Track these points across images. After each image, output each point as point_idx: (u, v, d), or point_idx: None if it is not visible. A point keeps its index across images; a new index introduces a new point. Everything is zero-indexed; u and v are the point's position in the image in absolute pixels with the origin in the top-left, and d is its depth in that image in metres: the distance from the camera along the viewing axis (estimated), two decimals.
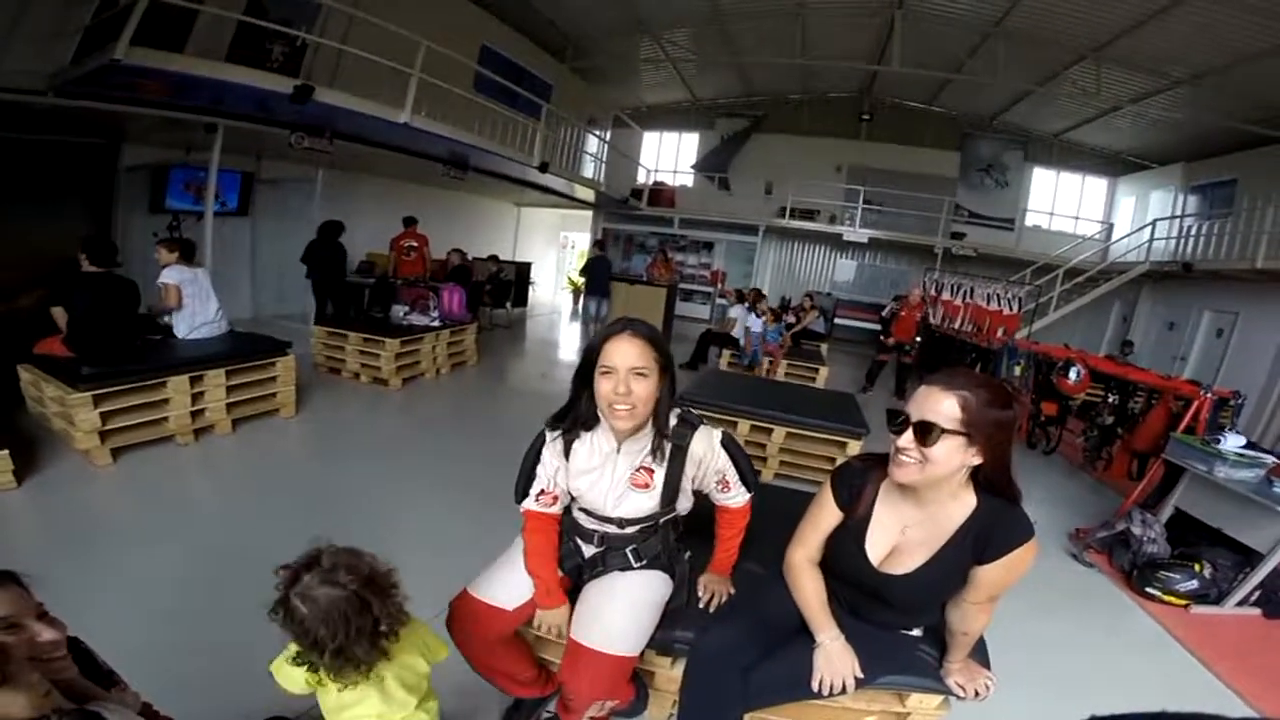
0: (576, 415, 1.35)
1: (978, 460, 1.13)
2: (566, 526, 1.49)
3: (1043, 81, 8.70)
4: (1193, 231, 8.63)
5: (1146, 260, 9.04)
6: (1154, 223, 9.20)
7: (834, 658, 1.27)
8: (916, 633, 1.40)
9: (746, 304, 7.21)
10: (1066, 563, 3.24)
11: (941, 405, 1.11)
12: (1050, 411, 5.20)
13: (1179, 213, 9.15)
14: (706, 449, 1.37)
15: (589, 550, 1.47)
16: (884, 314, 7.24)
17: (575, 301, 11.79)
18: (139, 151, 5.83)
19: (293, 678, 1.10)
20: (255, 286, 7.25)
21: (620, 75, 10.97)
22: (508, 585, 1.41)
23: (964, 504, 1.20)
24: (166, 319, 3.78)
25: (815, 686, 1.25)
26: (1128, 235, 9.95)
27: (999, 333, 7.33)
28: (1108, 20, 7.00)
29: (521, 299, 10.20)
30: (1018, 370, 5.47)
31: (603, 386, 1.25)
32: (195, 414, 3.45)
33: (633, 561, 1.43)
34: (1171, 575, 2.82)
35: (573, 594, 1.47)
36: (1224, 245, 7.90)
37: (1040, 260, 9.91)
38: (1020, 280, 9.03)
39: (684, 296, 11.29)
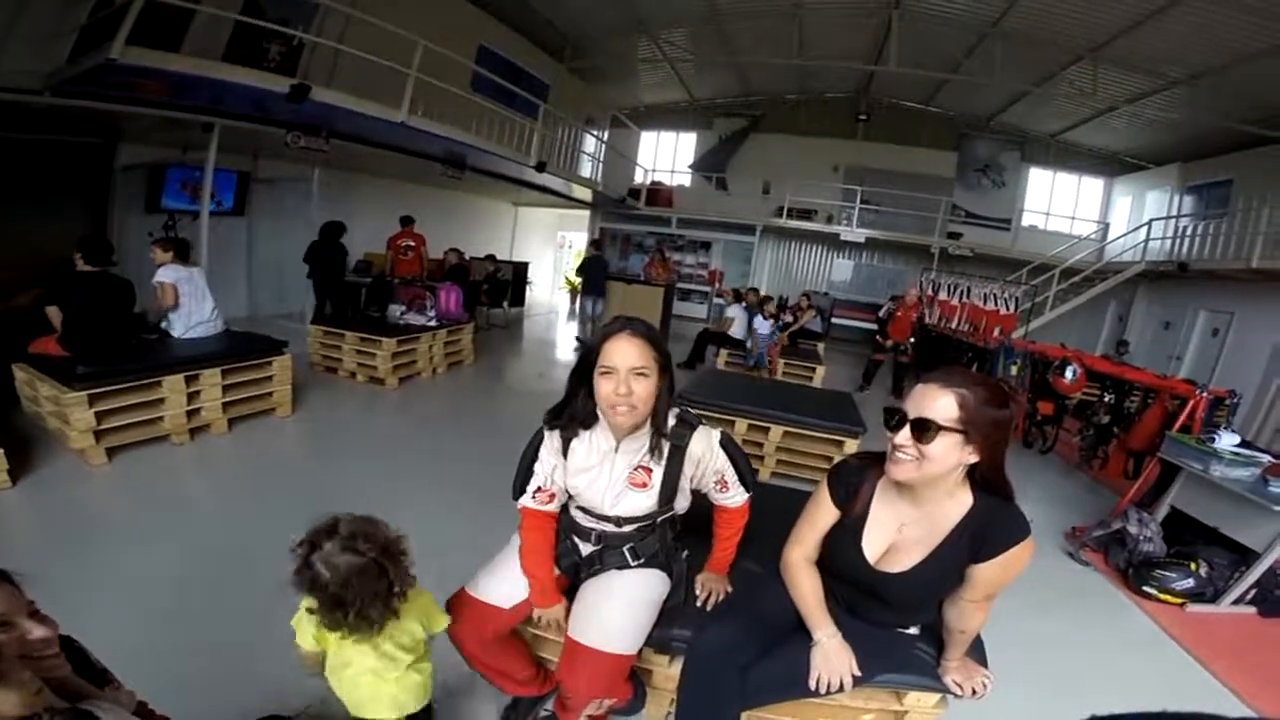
0: (573, 413, 1.34)
1: (974, 458, 1.14)
2: (564, 525, 1.49)
3: (1040, 82, 8.72)
4: (1188, 231, 8.66)
5: (1142, 260, 9.08)
6: (1150, 223, 9.24)
7: (831, 656, 1.27)
8: (914, 631, 1.40)
9: (745, 304, 7.23)
10: (1063, 561, 3.25)
11: (939, 403, 1.11)
12: (1047, 411, 5.22)
13: (1175, 213, 9.18)
14: (705, 449, 1.37)
15: (586, 548, 1.47)
16: (880, 315, 7.26)
17: (572, 301, 11.79)
18: (135, 151, 5.80)
19: (306, 635, 1.22)
20: (251, 286, 7.23)
21: (618, 75, 10.96)
22: (505, 584, 1.42)
23: (960, 502, 1.20)
24: (165, 323, 3.77)
25: (812, 685, 1.26)
26: (1123, 235, 9.99)
27: (995, 332, 7.35)
28: (1105, 20, 7.02)
29: (519, 299, 10.19)
30: (1014, 370, 5.48)
31: (603, 387, 1.24)
32: (191, 413, 3.44)
33: (630, 560, 1.43)
34: (1167, 574, 2.83)
35: (570, 592, 1.47)
36: (1219, 245, 7.93)
37: (1036, 260, 9.94)
38: (1016, 280, 9.06)
39: (681, 296, 11.29)
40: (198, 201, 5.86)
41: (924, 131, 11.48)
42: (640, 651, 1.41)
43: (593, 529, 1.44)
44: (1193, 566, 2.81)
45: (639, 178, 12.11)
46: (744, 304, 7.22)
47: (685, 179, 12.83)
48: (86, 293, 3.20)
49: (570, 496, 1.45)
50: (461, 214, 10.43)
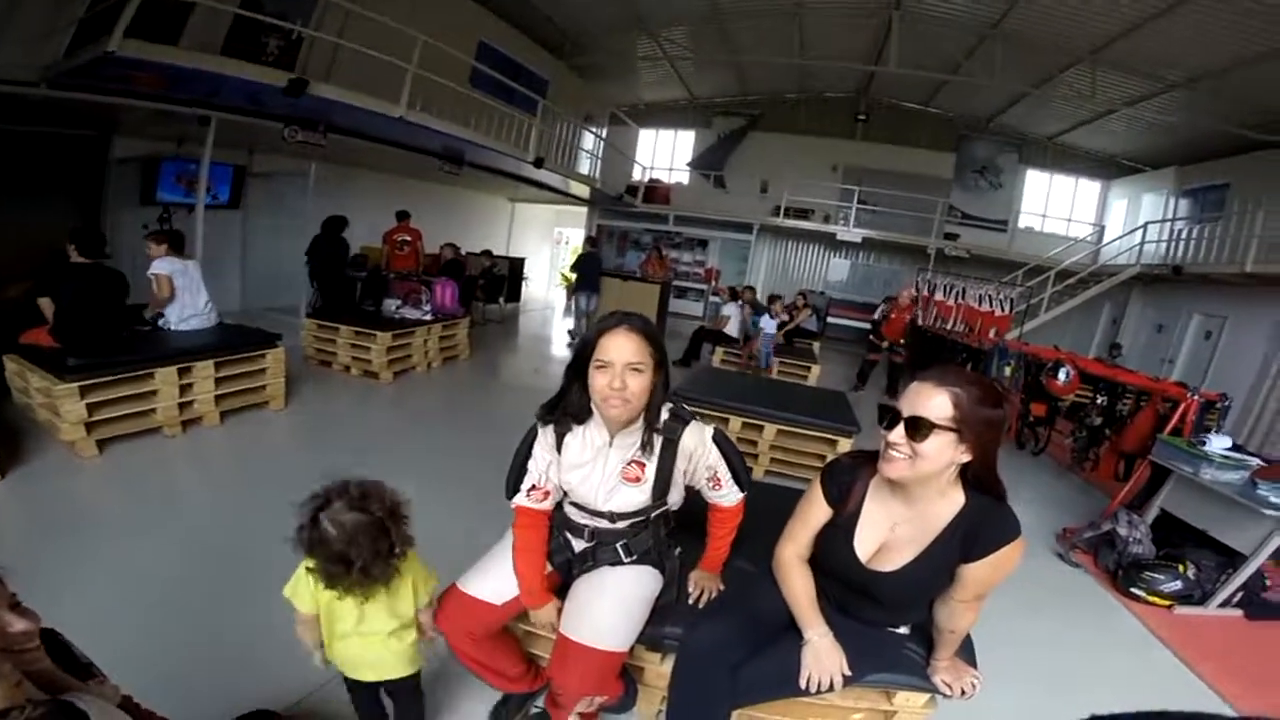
0: (567, 407, 1.34)
1: (967, 457, 1.14)
2: (557, 521, 1.49)
3: (1039, 84, 8.74)
4: (1183, 235, 8.70)
5: (1137, 263, 9.12)
6: (1145, 226, 9.28)
7: (822, 655, 1.27)
8: (904, 631, 1.40)
9: (740, 302, 7.24)
10: (1053, 562, 3.26)
11: (933, 401, 1.11)
12: (1039, 412, 5.24)
13: (1170, 216, 9.22)
14: (697, 443, 1.37)
15: (579, 545, 1.47)
16: (875, 316, 7.30)
17: (568, 297, 11.79)
18: (130, 144, 5.77)
19: (302, 596, 1.27)
20: (246, 279, 7.20)
21: (618, 72, 10.93)
22: (496, 580, 1.41)
23: (952, 502, 1.20)
24: (161, 319, 3.74)
25: (803, 684, 1.26)
26: (1119, 238, 10.04)
27: (990, 333, 7.37)
28: (1104, 23, 7.03)
29: (515, 294, 10.18)
30: (1008, 371, 5.50)
31: (598, 380, 1.24)
32: (183, 405, 3.42)
33: (623, 557, 1.43)
34: (1156, 576, 2.85)
35: (563, 589, 1.47)
36: (1214, 249, 7.97)
37: (1032, 262, 9.98)
38: (1012, 281, 9.09)
39: (678, 293, 11.32)
40: (193, 194, 5.82)
41: (923, 132, 11.50)
42: (632, 649, 1.42)
43: (586, 525, 1.44)
44: (1181, 569, 2.83)
45: (637, 175, 12.09)
46: (739, 302, 7.23)
47: (683, 177, 12.82)
48: (79, 284, 3.18)
49: (564, 493, 1.45)
50: (458, 209, 10.39)
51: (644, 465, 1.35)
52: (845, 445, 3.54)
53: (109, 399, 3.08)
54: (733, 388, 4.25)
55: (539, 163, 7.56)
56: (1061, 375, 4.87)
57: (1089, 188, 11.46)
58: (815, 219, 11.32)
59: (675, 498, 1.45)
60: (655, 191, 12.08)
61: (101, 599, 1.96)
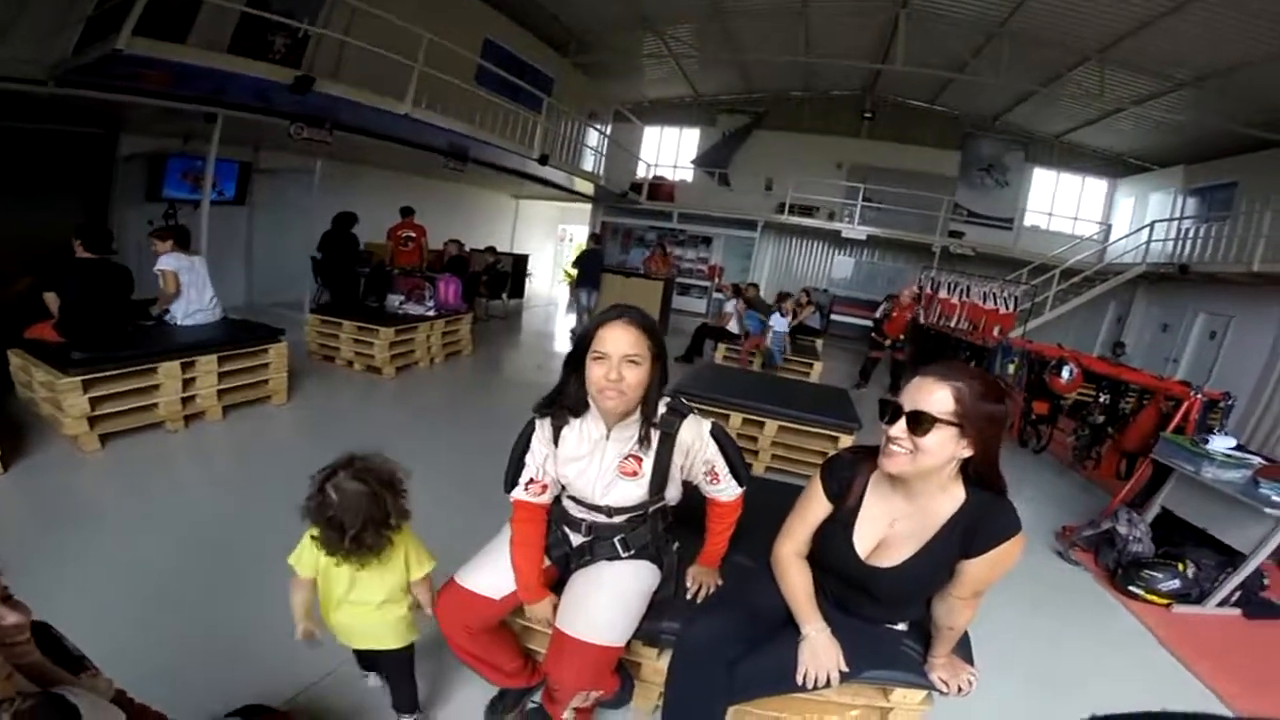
0: (564, 399, 1.34)
1: (968, 452, 1.14)
2: (555, 515, 1.49)
3: (1046, 82, 8.67)
4: (1190, 234, 8.64)
5: (1143, 262, 9.06)
6: (1152, 224, 9.22)
7: (819, 651, 1.27)
8: (901, 627, 1.40)
9: (741, 299, 7.23)
10: (1052, 560, 3.26)
11: (935, 396, 1.11)
12: (1042, 410, 5.22)
13: (1178, 215, 9.15)
14: (695, 437, 1.36)
15: (577, 539, 1.47)
16: (877, 315, 7.29)
17: (571, 294, 11.83)
18: (137, 141, 5.78)
19: (304, 561, 1.33)
20: (251, 275, 7.23)
21: (622, 70, 10.90)
22: (494, 575, 1.42)
23: (953, 497, 1.20)
24: (167, 314, 3.76)
25: (800, 680, 1.26)
26: (1125, 236, 9.97)
27: (994, 331, 7.34)
28: (1112, 22, 6.97)
29: (518, 290, 10.18)
30: (1011, 369, 5.48)
31: (594, 371, 1.24)
32: (186, 400, 3.44)
33: (620, 551, 1.43)
34: (1155, 574, 2.84)
35: (561, 583, 1.47)
36: (1221, 248, 7.91)
37: (1037, 260, 9.92)
38: (1017, 280, 9.05)
39: (681, 290, 11.30)
40: (198, 191, 5.84)
41: (928, 130, 11.43)
42: (629, 644, 1.42)
43: (583, 519, 1.44)
44: (1180, 567, 2.82)
45: (641, 172, 12.07)
46: (738, 299, 7.21)
47: (688, 174, 12.79)
48: (84, 279, 3.19)
49: (562, 487, 1.45)
50: (462, 206, 10.40)
51: (641, 459, 1.35)
52: (846, 442, 3.54)
53: (112, 393, 3.10)
54: (734, 384, 4.25)
55: (544, 160, 7.56)
56: (1065, 373, 4.85)
57: (1096, 186, 11.38)
58: (820, 216, 11.27)
59: (673, 493, 1.45)
60: (659, 189, 12.06)
61: (101, 593, 1.97)
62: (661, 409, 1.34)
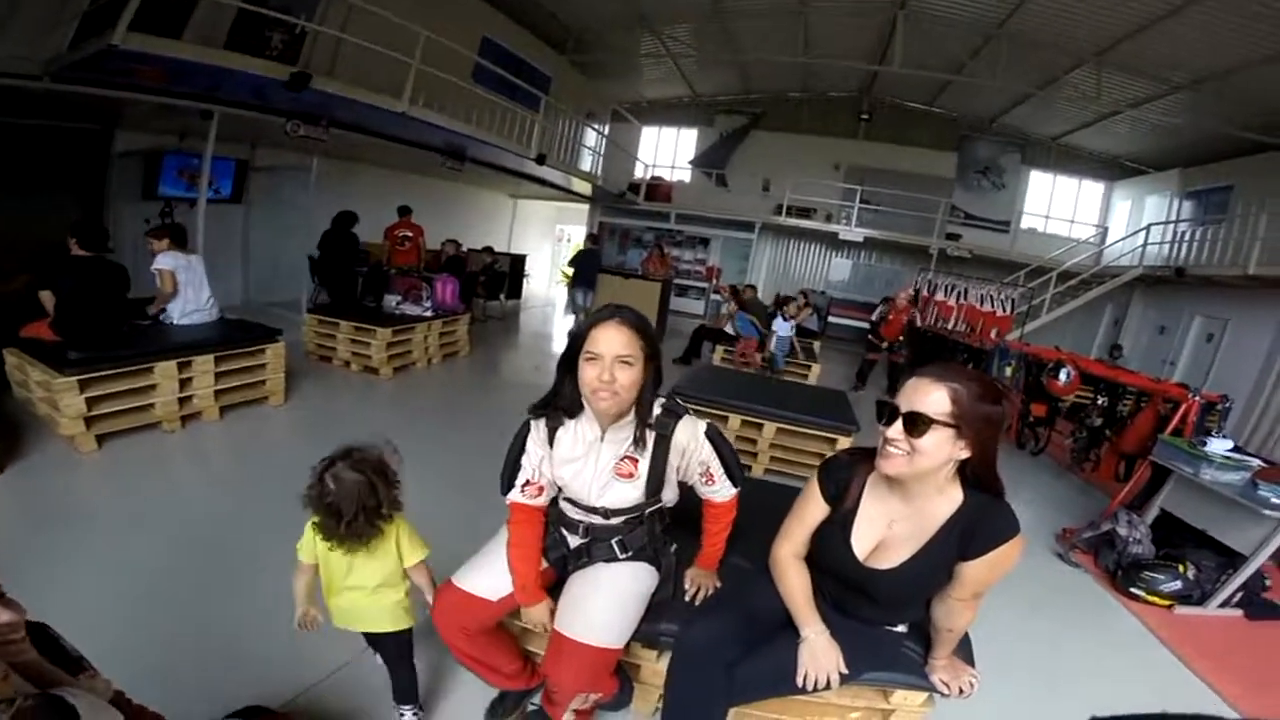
0: (559, 400, 1.33)
1: (965, 454, 1.13)
2: (552, 517, 1.49)
3: (1043, 85, 8.70)
4: (1186, 237, 8.67)
5: (1140, 265, 9.09)
6: (1148, 227, 9.25)
7: (818, 653, 1.26)
8: (901, 629, 1.40)
9: (739, 301, 7.22)
10: (1052, 563, 3.26)
11: (931, 397, 1.11)
12: (1039, 413, 5.23)
13: (1174, 218, 9.19)
14: (690, 438, 1.36)
15: (574, 541, 1.46)
16: (873, 318, 7.32)
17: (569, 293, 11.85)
18: (132, 138, 5.75)
19: (306, 547, 1.40)
20: (247, 274, 7.19)
21: (620, 70, 10.90)
22: (491, 576, 1.41)
23: (951, 499, 1.19)
24: (163, 314, 3.73)
25: (799, 682, 1.25)
26: (1122, 239, 10.00)
27: (992, 334, 7.36)
28: (1109, 25, 7.00)
29: (516, 291, 10.16)
30: (1008, 371, 5.49)
31: (587, 372, 1.24)
32: (183, 401, 3.42)
33: (618, 553, 1.43)
34: (1156, 576, 2.84)
35: (559, 585, 1.46)
36: (1217, 251, 7.95)
37: (1034, 263, 9.95)
38: (1014, 282, 9.07)
39: (679, 292, 11.30)
40: (194, 189, 5.81)
41: (925, 132, 11.46)
42: (628, 646, 1.41)
43: (580, 521, 1.44)
44: (1181, 569, 2.83)
45: (639, 172, 12.07)
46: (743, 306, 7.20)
47: (685, 175, 12.80)
48: (79, 277, 3.17)
49: (559, 489, 1.45)
50: (460, 206, 10.38)
51: (637, 461, 1.35)
52: (845, 444, 3.53)
53: (108, 393, 3.08)
54: (732, 386, 4.24)
55: (541, 159, 7.55)
56: (1062, 376, 4.86)
57: (1092, 189, 11.43)
58: (817, 218, 11.29)
59: (670, 494, 1.45)
60: (657, 189, 12.06)
61: (98, 593, 1.96)
62: (656, 410, 1.34)
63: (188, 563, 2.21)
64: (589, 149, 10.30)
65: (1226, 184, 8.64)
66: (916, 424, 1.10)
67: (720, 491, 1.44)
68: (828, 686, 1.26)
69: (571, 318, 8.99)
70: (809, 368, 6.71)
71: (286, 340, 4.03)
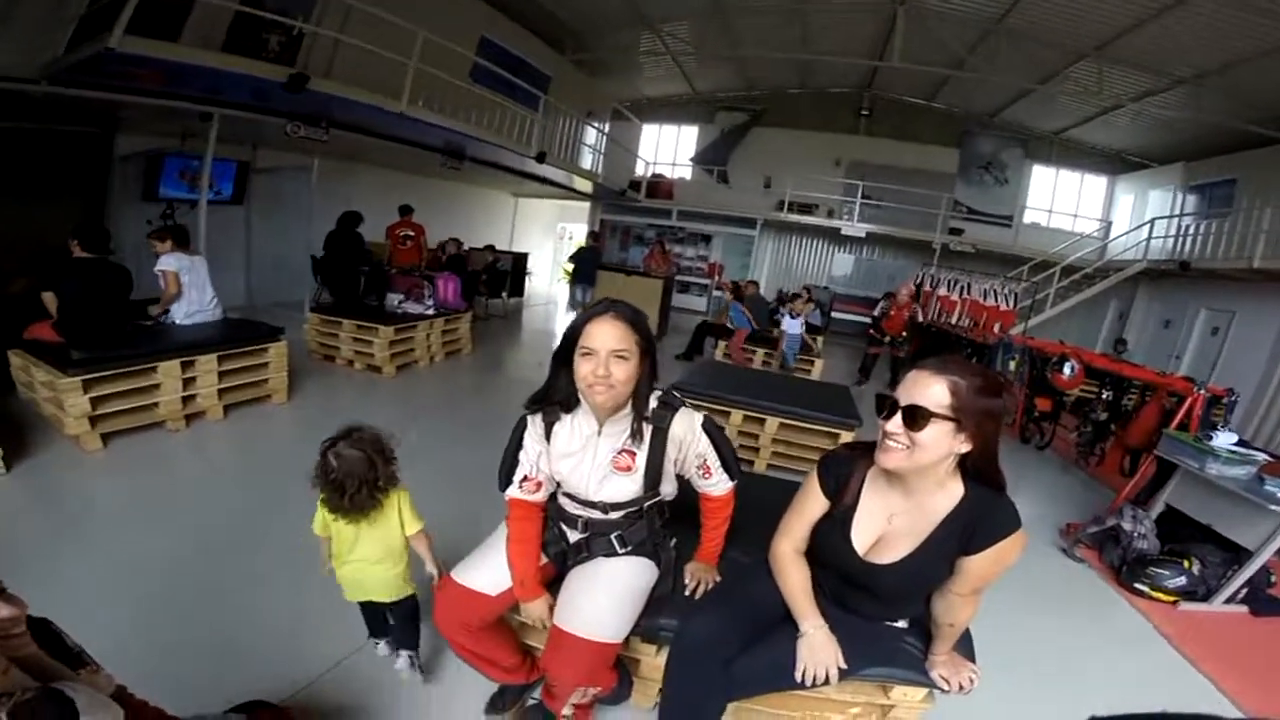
0: (554, 394, 1.33)
1: (966, 447, 1.12)
2: (552, 513, 1.49)
3: (1044, 79, 8.65)
4: (1190, 230, 8.62)
5: (1144, 258, 9.05)
6: (1152, 221, 9.20)
7: (817, 648, 1.26)
8: (902, 624, 1.39)
9: (727, 293, 7.24)
10: (1056, 558, 3.24)
11: (931, 390, 1.10)
12: (1044, 407, 5.21)
13: (1178, 212, 9.14)
14: (687, 430, 1.36)
15: (574, 536, 1.46)
16: (875, 313, 7.31)
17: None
18: (133, 140, 5.78)
19: (318, 522, 1.54)
20: (250, 274, 7.22)
21: (620, 68, 10.89)
22: (490, 571, 1.41)
23: (951, 493, 1.19)
24: (166, 316, 3.74)
25: (798, 677, 1.25)
26: (1125, 233, 9.94)
27: (995, 328, 7.34)
28: (1110, 18, 6.94)
29: (518, 289, 10.17)
30: (1012, 365, 5.47)
31: (582, 367, 1.23)
32: (186, 400, 3.43)
33: (617, 548, 1.43)
34: (1160, 571, 2.83)
35: (559, 580, 1.46)
36: (1221, 244, 7.90)
37: (1038, 257, 9.90)
38: (1017, 276, 9.03)
39: (681, 288, 11.27)
40: (196, 190, 5.83)
41: (926, 127, 11.40)
42: (627, 641, 1.41)
43: (579, 516, 1.44)
44: (1186, 564, 2.81)
45: (640, 170, 12.05)
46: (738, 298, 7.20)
47: (686, 172, 12.77)
48: (81, 279, 3.18)
49: (557, 484, 1.45)
50: (461, 204, 10.39)
51: (634, 454, 1.35)
52: (847, 439, 3.52)
53: (112, 393, 3.10)
54: (734, 381, 4.24)
55: (541, 158, 7.55)
56: (1066, 369, 4.84)
57: (1095, 183, 11.35)
58: (819, 214, 11.25)
59: (668, 488, 1.45)
60: (658, 187, 12.04)
61: (102, 590, 1.97)
62: (653, 403, 1.33)
63: (191, 559, 2.22)
64: (589, 147, 10.28)
65: (1230, 177, 8.58)
66: (916, 417, 1.09)
67: (717, 485, 1.44)
68: (826, 682, 1.25)
69: (573, 315, 9.01)
70: (812, 363, 6.71)
71: (290, 340, 4.04)
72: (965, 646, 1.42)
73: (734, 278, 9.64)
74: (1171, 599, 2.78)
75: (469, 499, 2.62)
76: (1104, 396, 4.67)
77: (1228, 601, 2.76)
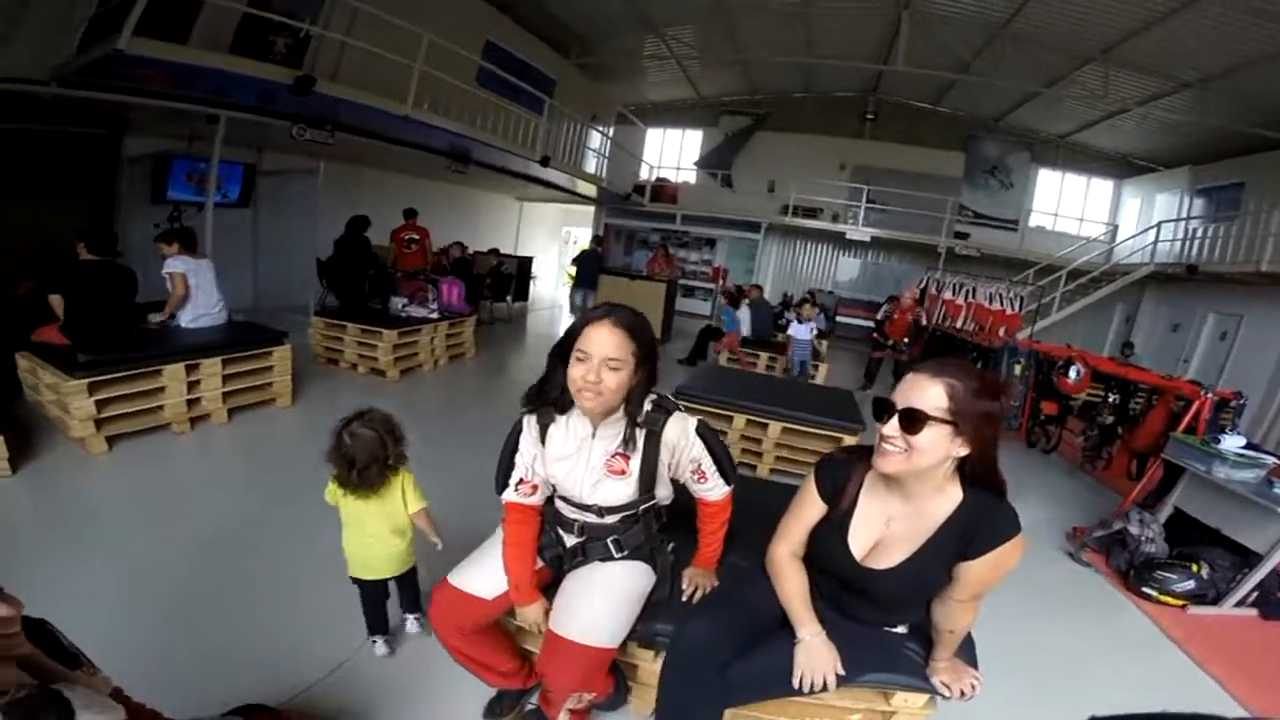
0: (550, 391, 1.33)
1: (964, 451, 1.11)
2: (548, 516, 1.48)
3: (1050, 83, 8.63)
4: (1197, 234, 8.57)
5: (1151, 262, 8.99)
6: (1159, 225, 9.15)
7: (814, 654, 1.24)
8: (902, 630, 1.37)
9: (748, 300, 7.21)
10: (1063, 562, 3.21)
11: (928, 393, 1.09)
12: (1050, 411, 5.18)
13: (1184, 215, 9.08)
14: (680, 434, 1.35)
15: (570, 540, 1.46)
16: (878, 317, 7.29)
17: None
18: (141, 142, 5.84)
19: (331, 491, 1.68)
20: (256, 277, 7.26)
21: (624, 72, 10.93)
22: (486, 575, 1.41)
23: (950, 498, 1.17)
24: (172, 319, 3.76)
25: (795, 683, 1.23)
26: (1132, 237, 9.89)
27: (1000, 332, 7.30)
28: (1116, 22, 6.93)
29: (523, 293, 10.18)
30: (1018, 369, 5.43)
31: (574, 371, 1.23)
32: (191, 403, 3.45)
33: (614, 552, 1.42)
34: (1169, 575, 2.79)
35: (555, 585, 1.45)
36: (1229, 248, 7.84)
37: (1044, 261, 9.86)
38: (1023, 281, 8.99)
39: (685, 293, 11.28)
40: (203, 193, 5.87)
41: (931, 131, 11.39)
42: (624, 646, 1.40)
43: (575, 520, 1.43)
44: (1194, 568, 2.77)
45: (644, 174, 12.07)
46: (746, 300, 7.18)
47: (690, 176, 12.79)
48: (87, 281, 3.20)
49: (553, 487, 1.44)
50: (466, 208, 10.43)
51: (628, 458, 1.34)
52: (851, 443, 3.50)
53: (118, 395, 3.11)
54: (737, 385, 4.22)
55: (545, 161, 7.58)
56: (1072, 373, 4.81)
57: (1101, 187, 11.31)
58: (824, 218, 11.24)
59: (663, 492, 1.44)
60: (663, 191, 12.06)
61: (106, 592, 1.98)
62: (647, 406, 1.33)
63: (194, 562, 2.23)
64: (594, 151, 10.31)
65: (1238, 181, 8.53)
66: (913, 421, 1.08)
67: (713, 490, 1.43)
68: (824, 689, 1.24)
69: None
70: (817, 367, 6.69)
71: (295, 343, 4.06)
72: (968, 652, 1.40)
73: (738, 282, 9.61)
74: (1180, 603, 2.75)
75: (471, 502, 2.61)
76: (1110, 400, 4.63)
77: (1238, 605, 2.72)
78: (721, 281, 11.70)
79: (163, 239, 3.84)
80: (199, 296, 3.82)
